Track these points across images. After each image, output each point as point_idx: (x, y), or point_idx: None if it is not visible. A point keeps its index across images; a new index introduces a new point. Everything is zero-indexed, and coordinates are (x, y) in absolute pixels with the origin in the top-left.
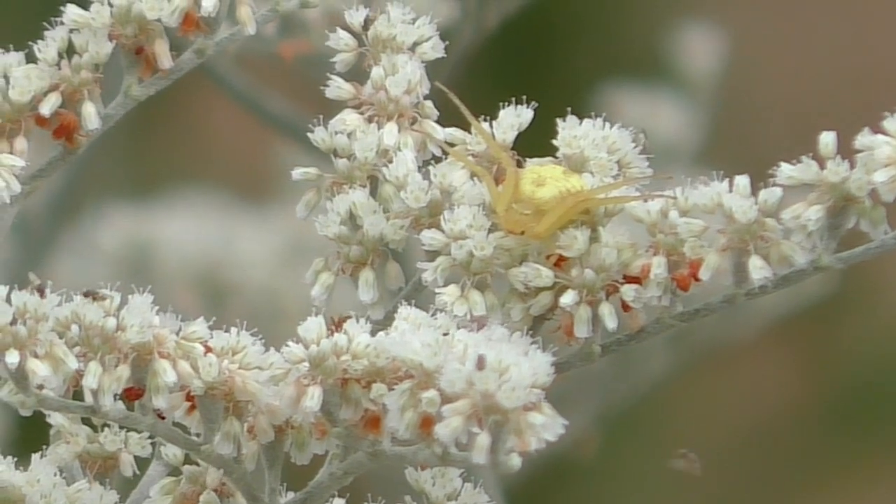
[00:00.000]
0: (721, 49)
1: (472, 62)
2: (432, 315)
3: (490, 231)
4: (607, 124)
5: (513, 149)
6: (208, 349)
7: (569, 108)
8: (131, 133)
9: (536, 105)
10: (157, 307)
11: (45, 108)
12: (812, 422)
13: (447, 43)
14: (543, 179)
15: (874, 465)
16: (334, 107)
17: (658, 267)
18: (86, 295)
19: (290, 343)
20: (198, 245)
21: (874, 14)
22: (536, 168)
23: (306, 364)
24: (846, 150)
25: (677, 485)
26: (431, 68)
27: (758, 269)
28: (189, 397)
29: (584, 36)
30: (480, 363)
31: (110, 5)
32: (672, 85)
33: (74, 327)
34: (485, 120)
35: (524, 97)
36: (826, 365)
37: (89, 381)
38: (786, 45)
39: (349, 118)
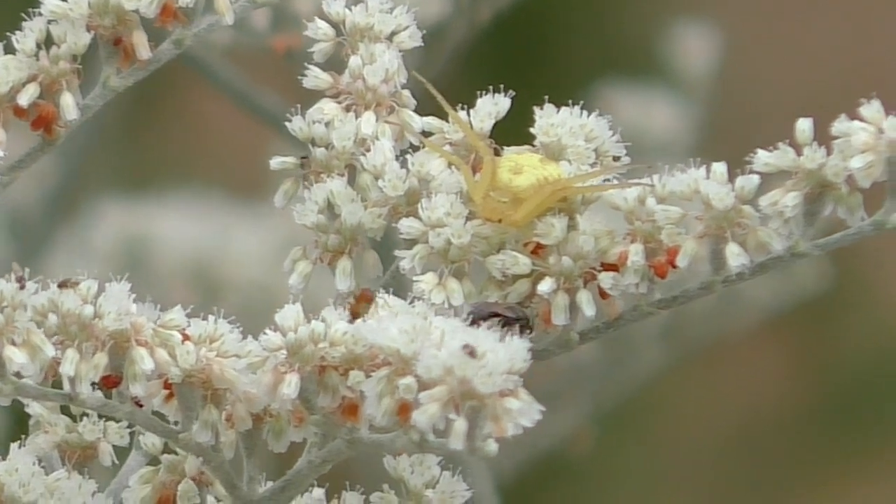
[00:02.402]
0: (716, 47)
1: (465, 58)
2: (410, 303)
3: (468, 219)
4: (584, 112)
5: (496, 139)
6: (186, 337)
7: (546, 97)
8: (126, 130)
9: (531, 100)
10: (134, 295)
11: (24, 99)
12: (806, 418)
13: (425, 32)
14: (521, 167)
15: (868, 461)
16: (320, 100)
17: (635, 254)
18: (60, 286)
19: (267, 331)
20: (192, 241)
21: (870, 12)
22: (514, 156)
23: (284, 352)
24: (831, 143)
25: (670, 480)
26: (423, 63)
27: (735, 256)
28: (167, 385)
29: (579, 32)
30: (471, 351)
31: None
32: (666, 83)
33: (52, 316)
34: (463, 109)
35: (513, 89)
36: (820, 361)
37: (66, 369)
38: (780, 42)
39: (327, 107)
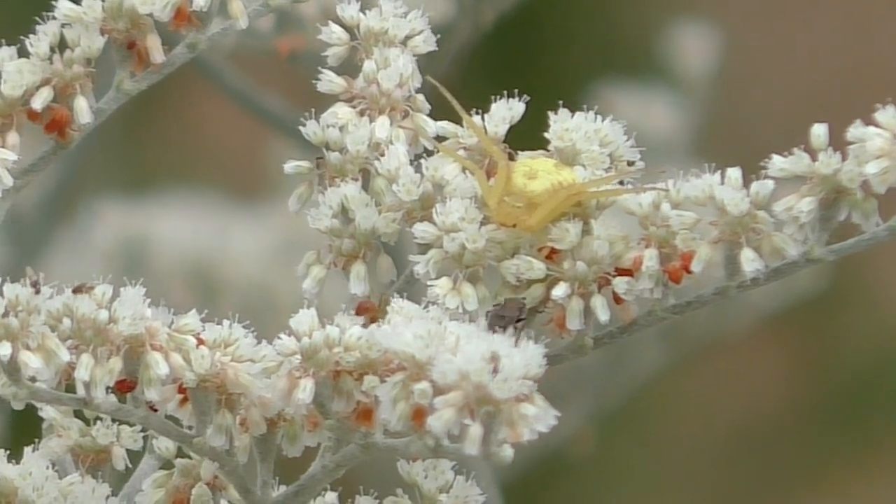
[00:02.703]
0: (715, 47)
1: (468, 59)
2: (424, 308)
3: (482, 224)
4: (599, 117)
5: (505, 142)
6: (200, 341)
7: (560, 101)
8: (126, 130)
9: (531, 101)
10: (149, 300)
11: (37, 103)
12: (806, 418)
13: (439, 37)
14: (535, 172)
15: (868, 460)
16: (328, 103)
17: (650, 259)
18: (76, 291)
19: (282, 335)
20: (192, 242)
21: (870, 12)
22: (528, 161)
23: (298, 356)
24: (841, 147)
25: (671, 480)
26: (427, 65)
27: (750, 262)
28: (181, 390)
29: (580, 33)
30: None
31: (102, 0)
32: (667, 83)
33: (66, 320)
34: (478, 113)
35: (516, 90)
36: (820, 361)
37: (81, 374)
38: (780, 42)
39: (341, 111)
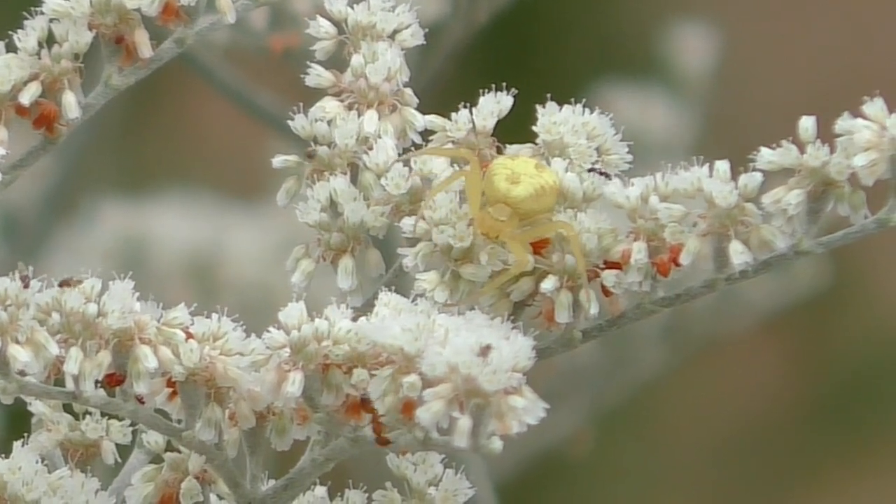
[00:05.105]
0: (714, 46)
1: (463, 58)
2: (413, 301)
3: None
4: (587, 110)
5: (493, 136)
6: (189, 335)
7: (548, 95)
8: (124, 130)
9: (529, 100)
10: (137, 294)
11: (25, 98)
12: (804, 417)
13: (427, 31)
14: (518, 176)
15: (867, 459)
16: (322, 99)
17: (638, 252)
18: (62, 285)
19: (271, 329)
20: (190, 241)
21: (870, 12)
22: (508, 163)
23: (287, 350)
24: (835, 143)
25: (669, 480)
26: (421, 63)
27: (738, 254)
28: (170, 383)
29: (577, 31)
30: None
31: None
32: (665, 82)
33: (55, 314)
34: (465, 107)
35: (505, 85)
36: (818, 360)
37: (70, 367)
38: (779, 42)
39: (329, 105)
